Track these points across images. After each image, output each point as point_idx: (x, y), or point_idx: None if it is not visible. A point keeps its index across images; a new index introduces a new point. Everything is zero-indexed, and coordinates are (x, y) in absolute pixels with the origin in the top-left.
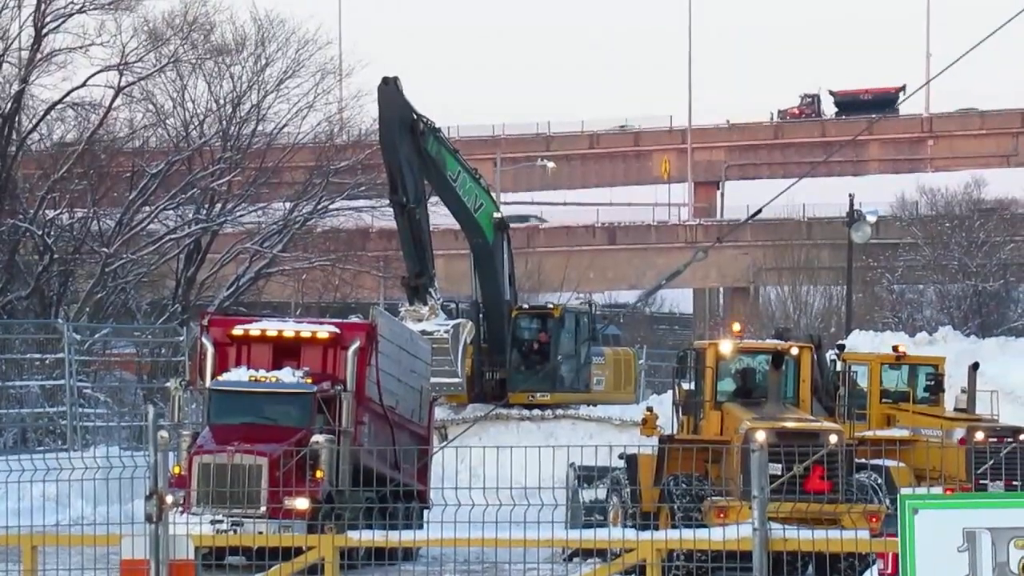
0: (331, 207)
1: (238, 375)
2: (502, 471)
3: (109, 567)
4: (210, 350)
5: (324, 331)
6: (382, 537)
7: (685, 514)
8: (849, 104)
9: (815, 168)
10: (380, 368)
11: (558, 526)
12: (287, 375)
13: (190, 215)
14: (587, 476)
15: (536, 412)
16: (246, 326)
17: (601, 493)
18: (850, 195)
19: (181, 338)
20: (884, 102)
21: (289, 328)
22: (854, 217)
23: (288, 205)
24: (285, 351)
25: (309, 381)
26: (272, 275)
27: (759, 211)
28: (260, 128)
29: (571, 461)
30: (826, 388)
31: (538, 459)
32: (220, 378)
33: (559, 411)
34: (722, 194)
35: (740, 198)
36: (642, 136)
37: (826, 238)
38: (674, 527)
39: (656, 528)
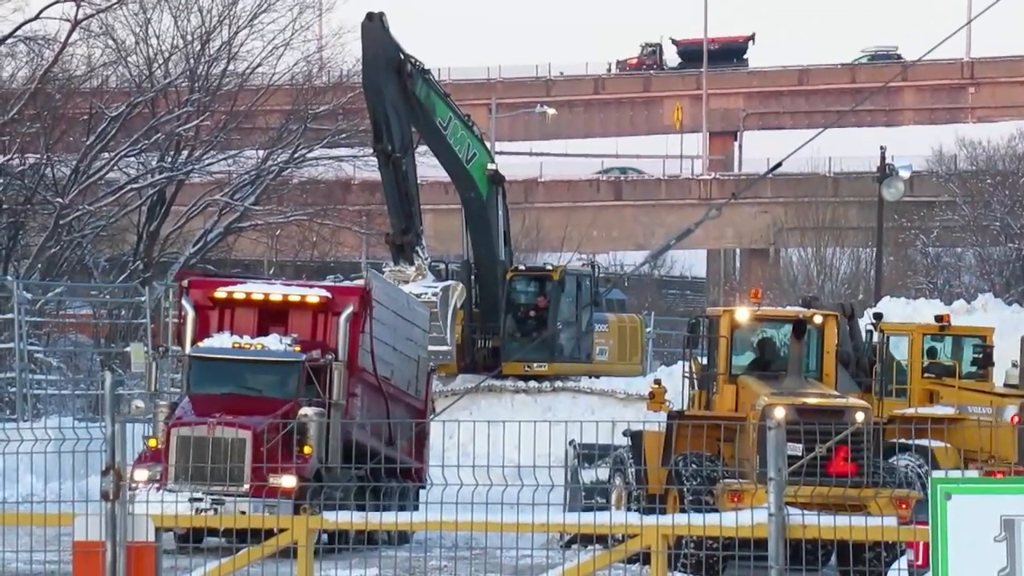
0: (309, 156)
1: (220, 341)
2: (494, 448)
3: (61, 549)
4: (191, 314)
5: (314, 295)
6: (360, 519)
7: (695, 497)
8: (693, 54)
9: (843, 117)
10: (374, 336)
11: (555, 509)
12: (274, 342)
13: (153, 163)
14: (588, 454)
15: (532, 384)
16: (230, 288)
17: (603, 473)
18: (881, 147)
19: (143, 298)
20: (731, 52)
21: (276, 291)
22: (886, 172)
23: (262, 153)
24: (272, 316)
25: (297, 349)
26: (243, 230)
27: (779, 164)
28: (231, 68)
29: (570, 438)
30: (859, 362)
31: (534, 435)
32: (201, 344)
33: (558, 383)
34: (740, 145)
35: (760, 150)
36: (652, 81)
37: (854, 195)
38: (683, 511)
39: (663, 512)
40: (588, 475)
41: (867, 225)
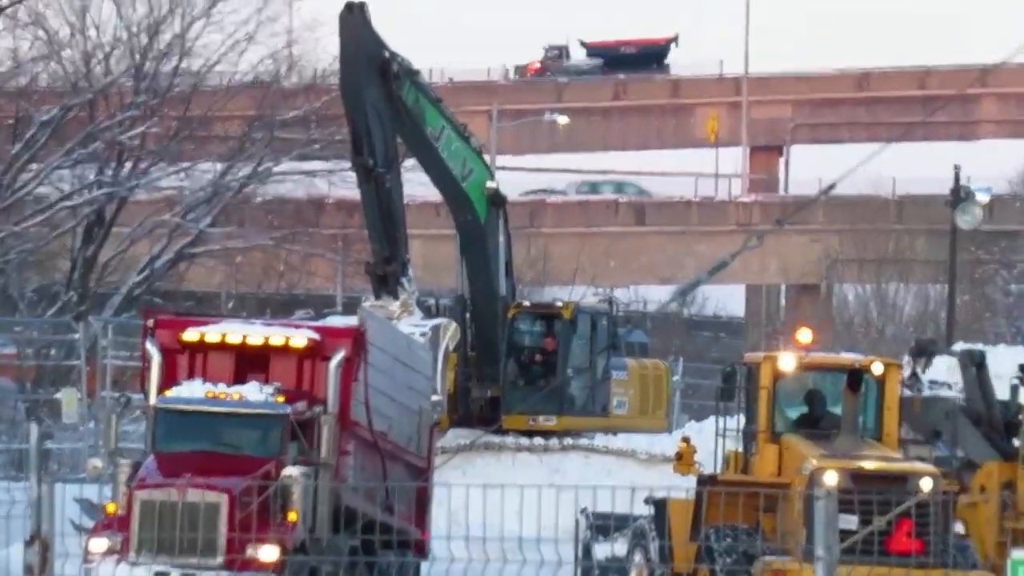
0: (276, 170)
1: (191, 390)
2: (492, 517)
3: None
4: (156, 358)
5: (300, 337)
6: None
7: None
8: (606, 58)
9: (910, 130)
10: (370, 384)
11: None
12: (253, 392)
13: (91, 176)
14: (602, 526)
15: (538, 441)
16: (202, 329)
17: (621, 548)
18: (956, 167)
19: (76, 336)
20: (650, 56)
21: (256, 333)
22: (960, 195)
23: (220, 166)
24: (250, 362)
25: (280, 400)
26: (197, 257)
27: (833, 185)
28: (184, 65)
29: (582, 506)
30: (992, 420)
31: (539, 502)
32: (168, 394)
33: (568, 440)
34: (787, 162)
35: (810, 168)
36: (683, 85)
37: (923, 222)
38: None
39: None
40: (603, 550)
41: (937, 258)
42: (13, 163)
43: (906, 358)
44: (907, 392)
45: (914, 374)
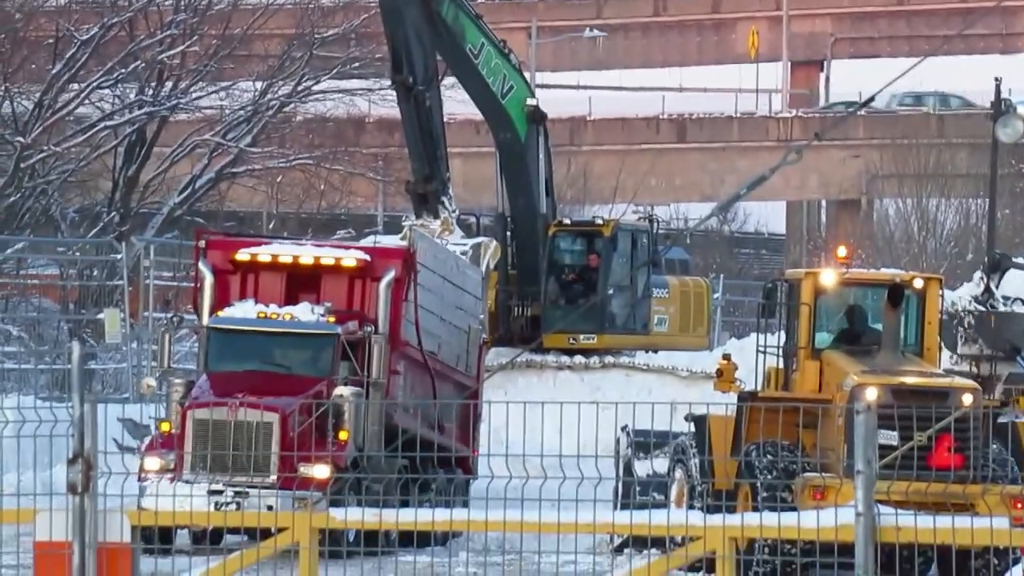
0: (315, 89)
1: (243, 311)
2: (532, 434)
3: (20, 551)
4: (208, 278)
5: (351, 258)
6: (373, 517)
7: (770, 493)
8: None
9: (950, 43)
10: (419, 305)
11: (604, 506)
12: (305, 312)
13: (132, 96)
14: (643, 442)
15: (578, 359)
16: (254, 250)
17: (661, 465)
18: (996, 80)
19: (118, 256)
20: None
21: (307, 253)
22: (1001, 108)
23: (260, 85)
24: (302, 282)
25: (332, 320)
26: (238, 176)
27: (872, 98)
28: None
29: (623, 423)
30: None
31: (579, 419)
32: (221, 314)
33: (608, 358)
34: (827, 77)
35: (851, 82)
36: (723, 0)
37: (963, 136)
38: (755, 510)
39: (731, 511)
40: (643, 467)
41: (978, 172)
42: (53, 83)
43: (979, 274)
44: (982, 308)
45: (988, 289)
